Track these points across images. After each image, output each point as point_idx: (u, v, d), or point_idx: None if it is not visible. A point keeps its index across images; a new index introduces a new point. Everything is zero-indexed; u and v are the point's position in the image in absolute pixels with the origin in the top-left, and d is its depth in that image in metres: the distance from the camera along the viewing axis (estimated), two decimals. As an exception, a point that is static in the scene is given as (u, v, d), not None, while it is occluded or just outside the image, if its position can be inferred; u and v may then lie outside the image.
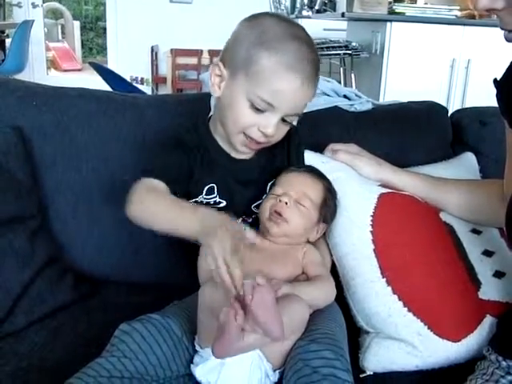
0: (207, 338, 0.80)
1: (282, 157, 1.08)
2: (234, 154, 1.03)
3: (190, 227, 0.81)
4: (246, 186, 1.04)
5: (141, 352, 0.81)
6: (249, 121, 0.93)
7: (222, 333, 0.72)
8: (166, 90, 5.57)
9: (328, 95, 1.36)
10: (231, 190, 1.03)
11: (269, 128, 0.92)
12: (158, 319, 0.85)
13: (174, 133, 1.03)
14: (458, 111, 1.44)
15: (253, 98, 0.91)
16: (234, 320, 0.70)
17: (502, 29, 0.76)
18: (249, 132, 0.94)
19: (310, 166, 1.07)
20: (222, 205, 1.02)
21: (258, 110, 0.91)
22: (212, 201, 1.02)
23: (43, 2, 6.22)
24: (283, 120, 0.94)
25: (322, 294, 0.94)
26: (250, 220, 1.06)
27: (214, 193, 1.02)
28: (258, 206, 1.04)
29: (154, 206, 0.88)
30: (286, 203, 0.96)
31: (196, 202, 1.02)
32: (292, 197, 0.97)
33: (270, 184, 1.05)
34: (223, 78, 0.95)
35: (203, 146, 1.01)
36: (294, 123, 0.98)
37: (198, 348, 0.83)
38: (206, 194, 1.01)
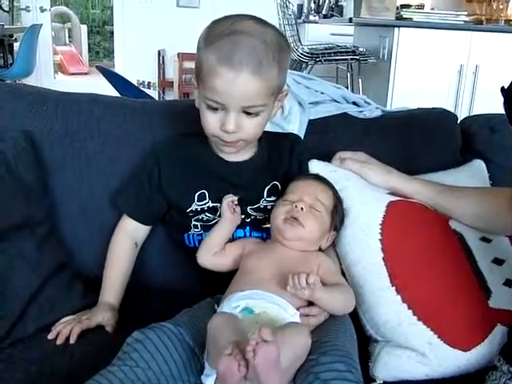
0: (213, 360, 0.79)
1: (280, 162, 1.10)
2: (228, 158, 1.06)
3: None
4: (240, 189, 1.06)
5: (153, 361, 0.80)
6: (210, 123, 0.97)
7: (223, 381, 0.71)
8: (173, 94, 5.58)
9: (337, 102, 1.35)
10: (223, 193, 1.04)
11: (228, 125, 0.94)
12: (170, 328, 0.84)
13: (155, 153, 1.11)
14: (467, 118, 1.44)
15: (205, 100, 0.95)
16: (236, 371, 0.69)
17: None
18: (216, 134, 0.98)
19: (317, 175, 1.09)
20: (216, 206, 1.06)
21: (214, 110, 0.95)
22: (206, 206, 1.06)
23: (51, 6, 6.24)
24: (247, 113, 0.95)
25: (343, 300, 0.94)
26: (249, 220, 1.08)
27: (205, 198, 1.05)
28: (254, 209, 1.07)
29: (106, 267, 1.11)
30: (302, 209, 0.97)
31: (191, 211, 1.06)
32: (306, 202, 0.98)
33: (267, 188, 1.07)
34: (197, 89, 1.00)
35: (194, 155, 1.07)
36: (263, 114, 0.98)
37: (206, 364, 0.82)
38: (198, 201, 1.05)
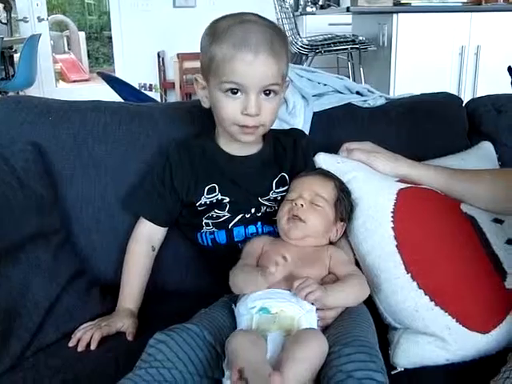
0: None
1: (285, 156, 1.12)
2: (235, 153, 1.08)
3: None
4: (248, 182, 1.08)
5: (179, 361, 0.81)
6: (231, 110, 0.99)
7: None
8: (175, 94, 5.59)
9: (341, 92, 1.35)
10: (232, 186, 1.07)
11: (251, 108, 0.97)
12: (191, 328, 0.85)
13: (166, 154, 1.12)
14: (472, 100, 1.43)
15: (223, 87, 0.97)
16: None
17: None
18: (237, 120, 0.99)
19: (319, 169, 1.10)
20: (225, 201, 1.07)
21: (233, 94, 0.97)
22: (214, 199, 1.07)
23: (48, 15, 6.26)
24: (266, 94, 0.98)
25: (356, 291, 0.95)
26: (260, 214, 1.09)
27: (215, 191, 1.07)
28: (265, 200, 1.09)
29: (124, 273, 1.12)
30: (302, 205, 0.98)
31: (200, 204, 1.08)
32: (306, 199, 1.00)
33: (275, 180, 1.09)
34: (205, 87, 1.03)
35: (202, 151, 1.10)
36: (277, 98, 1.02)
37: (225, 369, 0.82)
38: (207, 194, 1.07)
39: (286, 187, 1.09)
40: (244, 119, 0.99)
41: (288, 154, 1.12)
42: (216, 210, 1.08)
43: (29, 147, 1.16)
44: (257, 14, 1.01)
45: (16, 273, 0.99)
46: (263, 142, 1.11)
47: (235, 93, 0.97)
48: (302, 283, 0.87)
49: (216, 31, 0.97)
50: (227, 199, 1.07)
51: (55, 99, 1.32)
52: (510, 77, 0.91)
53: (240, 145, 1.07)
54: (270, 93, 0.99)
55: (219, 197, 1.07)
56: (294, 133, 1.18)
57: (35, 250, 1.04)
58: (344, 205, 1.04)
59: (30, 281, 1.00)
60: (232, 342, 0.79)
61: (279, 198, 1.09)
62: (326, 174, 1.07)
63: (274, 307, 0.86)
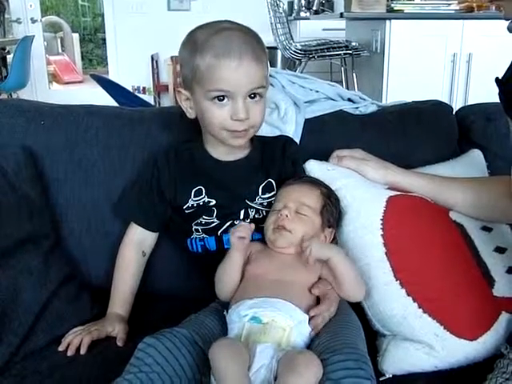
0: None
1: (273, 162, 1.12)
2: (222, 158, 1.10)
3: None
4: (234, 185, 1.09)
5: (168, 365, 0.81)
6: (219, 116, 1.00)
7: None
8: (169, 97, 5.59)
9: (333, 99, 1.36)
10: (219, 189, 1.09)
11: (239, 113, 0.99)
12: (181, 332, 0.85)
13: (154, 158, 1.13)
14: (463, 108, 1.44)
15: (209, 95, 0.99)
16: None
17: (506, 19, 0.77)
18: (227, 126, 1.01)
19: (306, 176, 1.10)
20: (212, 203, 1.08)
21: (220, 101, 0.99)
22: (201, 201, 1.08)
23: (42, 17, 6.24)
24: (251, 97, 1.01)
25: (355, 270, 0.98)
26: (248, 221, 1.08)
27: (202, 194, 1.08)
28: (251, 207, 1.09)
29: (114, 278, 1.13)
30: (287, 216, 0.99)
31: (187, 207, 1.08)
32: (291, 208, 1.00)
33: (262, 186, 1.10)
34: (189, 98, 1.05)
35: (190, 156, 1.12)
36: (263, 100, 1.04)
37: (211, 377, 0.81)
38: (194, 196, 1.08)
39: (273, 193, 1.09)
40: (233, 124, 1.01)
41: (276, 161, 1.13)
42: (204, 217, 1.09)
43: (20, 150, 1.16)
44: (231, 21, 1.03)
45: (6, 277, 0.99)
46: (251, 148, 1.12)
47: (222, 99, 0.99)
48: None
49: (196, 43, 0.99)
50: (214, 202, 1.08)
51: (47, 103, 1.32)
52: (497, 88, 0.92)
53: (227, 150, 1.09)
54: (255, 96, 1.01)
55: (206, 199, 1.08)
56: (283, 139, 1.18)
57: (26, 254, 1.04)
58: (330, 212, 1.03)
59: (20, 285, 1.00)
60: (213, 352, 0.78)
61: (265, 203, 1.09)
62: (313, 182, 1.07)
63: (266, 317, 0.86)
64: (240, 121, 1.00)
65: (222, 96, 0.99)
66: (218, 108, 1.00)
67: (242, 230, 0.97)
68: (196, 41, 0.99)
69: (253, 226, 0.99)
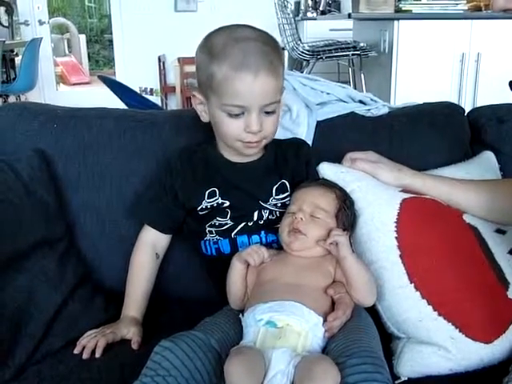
0: None
1: (286, 165, 1.13)
2: (236, 160, 1.11)
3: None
4: (248, 186, 1.10)
5: (185, 368, 0.81)
6: (234, 129, 1.01)
7: None
8: (176, 98, 5.60)
9: (344, 101, 1.36)
10: (233, 190, 1.09)
11: (252, 126, 0.99)
12: (197, 335, 0.85)
13: (168, 161, 1.14)
14: (474, 110, 1.43)
15: (225, 109, 1.00)
16: None
17: None
18: (240, 137, 1.02)
19: (321, 179, 1.11)
20: (225, 205, 1.09)
21: (235, 116, 1.00)
22: (215, 203, 1.09)
23: (49, 18, 6.27)
24: (265, 112, 1.01)
25: (368, 274, 0.98)
26: (262, 222, 1.09)
27: (216, 195, 1.09)
28: (266, 208, 1.09)
29: (128, 281, 1.13)
30: (302, 219, 0.99)
31: (201, 209, 1.09)
32: (306, 211, 1.00)
33: (275, 187, 1.10)
34: (204, 103, 1.05)
35: (203, 158, 1.12)
36: (278, 111, 1.04)
37: None
38: (208, 198, 1.08)
39: (287, 194, 1.10)
40: (247, 136, 1.02)
41: (289, 163, 1.13)
42: (218, 218, 1.09)
43: (34, 154, 1.17)
44: (250, 27, 1.02)
45: (21, 281, 1.00)
46: (264, 150, 1.12)
47: (237, 114, 1.00)
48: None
49: (212, 49, 0.99)
50: (227, 203, 1.08)
51: (60, 106, 1.32)
52: (511, 91, 0.92)
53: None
54: (269, 112, 1.01)
55: (219, 201, 1.08)
56: (296, 142, 1.18)
57: (40, 257, 1.05)
58: (346, 215, 1.04)
59: (35, 289, 1.01)
60: (228, 367, 0.77)
61: (279, 204, 1.10)
62: (328, 185, 1.07)
63: (281, 321, 0.86)
64: (253, 133, 1.01)
65: (237, 110, 0.99)
66: (232, 121, 1.01)
67: (254, 257, 0.98)
68: (213, 47, 0.99)
69: (264, 250, 0.99)
